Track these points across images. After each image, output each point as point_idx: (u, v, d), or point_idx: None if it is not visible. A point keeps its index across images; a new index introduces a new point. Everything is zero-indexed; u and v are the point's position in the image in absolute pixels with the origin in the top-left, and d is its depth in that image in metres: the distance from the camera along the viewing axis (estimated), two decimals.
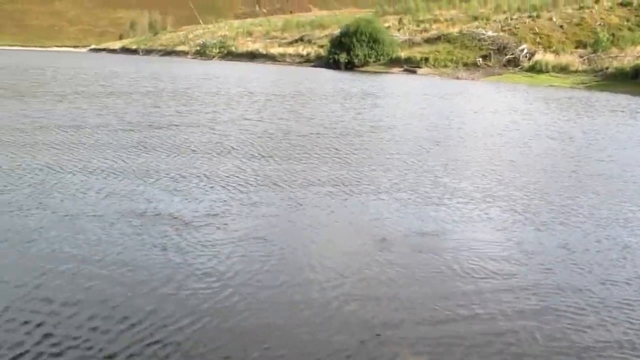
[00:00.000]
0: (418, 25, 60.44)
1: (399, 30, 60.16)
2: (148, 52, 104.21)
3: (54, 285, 5.38)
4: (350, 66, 52.61)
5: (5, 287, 5.35)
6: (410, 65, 49.77)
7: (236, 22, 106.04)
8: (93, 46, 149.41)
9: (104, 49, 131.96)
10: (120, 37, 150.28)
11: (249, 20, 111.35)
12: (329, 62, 54.84)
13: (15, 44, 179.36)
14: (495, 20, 55.81)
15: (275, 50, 68.86)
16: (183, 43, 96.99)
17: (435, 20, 60.56)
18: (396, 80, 39.89)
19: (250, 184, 9.19)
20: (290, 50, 66.45)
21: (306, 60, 61.58)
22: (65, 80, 32.23)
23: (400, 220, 7.67)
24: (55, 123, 15.06)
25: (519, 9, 59.22)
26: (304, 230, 7.16)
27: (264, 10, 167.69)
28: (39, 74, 40.14)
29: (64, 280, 5.49)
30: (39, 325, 4.67)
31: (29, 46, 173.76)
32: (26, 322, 4.69)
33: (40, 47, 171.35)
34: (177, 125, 15.30)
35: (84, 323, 4.71)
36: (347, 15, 78.28)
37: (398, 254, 6.49)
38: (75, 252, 6.13)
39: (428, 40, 54.13)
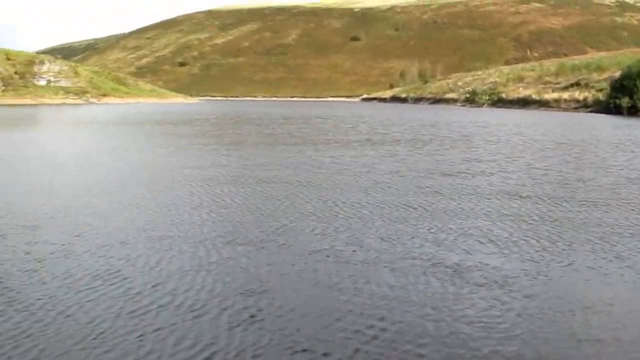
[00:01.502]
0: None
1: None
2: (417, 100, 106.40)
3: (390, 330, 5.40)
4: (633, 111, 49.02)
5: (340, 324, 5.44)
6: None
7: (506, 68, 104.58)
8: (365, 95, 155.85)
9: (374, 98, 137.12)
10: (391, 86, 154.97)
11: (519, 65, 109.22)
12: (609, 107, 51.60)
13: (295, 95, 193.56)
14: None
15: (549, 95, 66.66)
16: (452, 90, 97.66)
17: None
18: None
19: (556, 238, 8.69)
20: (565, 95, 63.89)
21: (583, 106, 58.69)
22: (347, 129, 33.89)
23: None
24: (348, 169, 15.76)
25: None
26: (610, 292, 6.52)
27: (536, 54, 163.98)
28: (321, 122, 42.84)
29: (395, 324, 5.47)
30: None
31: (308, 97, 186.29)
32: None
33: (317, 97, 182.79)
34: (465, 173, 15.20)
35: None
36: (629, 56, 73.54)
37: None
38: (415, 300, 6.13)
39: None
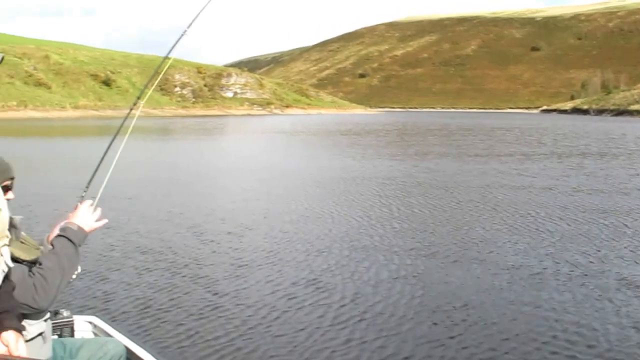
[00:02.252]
0: None
1: None
2: (599, 112, 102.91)
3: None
4: None
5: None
6: None
7: None
8: (544, 107, 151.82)
9: (554, 110, 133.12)
10: (572, 98, 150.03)
11: None
12: None
13: (473, 107, 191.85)
14: None
15: None
16: (637, 102, 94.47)
17: None
18: None
19: None
20: None
21: None
22: (531, 141, 34.12)
23: None
24: (537, 182, 15.90)
25: None
26: None
27: None
28: (504, 134, 42.84)
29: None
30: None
31: (486, 109, 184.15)
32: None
33: (495, 109, 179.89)
34: None
35: None
36: None
37: None
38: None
39: None
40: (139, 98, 3.06)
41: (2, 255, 1.88)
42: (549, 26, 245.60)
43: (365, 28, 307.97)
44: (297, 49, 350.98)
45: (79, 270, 2.42)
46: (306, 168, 19.41)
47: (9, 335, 1.86)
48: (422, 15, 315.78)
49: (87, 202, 2.44)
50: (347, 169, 18.74)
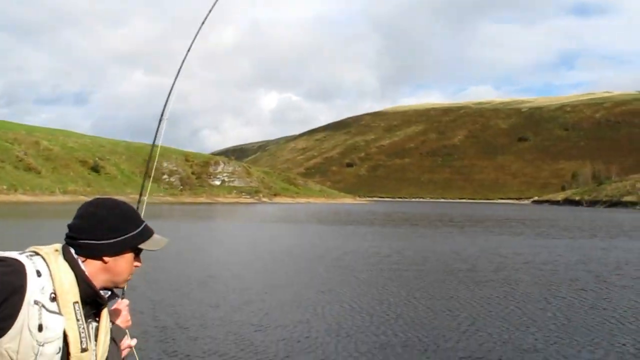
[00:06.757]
0: None
1: None
2: (592, 203, 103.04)
3: None
4: None
5: None
6: None
7: None
8: (535, 198, 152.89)
9: (546, 201, 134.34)
10: (563, 188, 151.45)
11: None
12: None
13: (463, 197, 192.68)
14: None
15: None
16: (630, 193, 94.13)
17: None
18: None
19: None
20: None
21: None
22: (549, 232, 32.66)
23: None
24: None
25: None
26: None
27: None
28: (515, 225, 41.40)
29: None
30: None
31: (476, 199, 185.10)
32: None
33: (484, 199, 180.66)
34: None
35: None
36: None
37: None
38: None
39: None
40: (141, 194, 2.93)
41: None
42: (534, 117, 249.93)
43: (350, 118, 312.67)
44: (283, 137, 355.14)
45: None
46: (327, 255, 18.68)
47: None
48: (407, 106, 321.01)
49: (125, 302, 2.32)
50: (367, 257, 18.35)
